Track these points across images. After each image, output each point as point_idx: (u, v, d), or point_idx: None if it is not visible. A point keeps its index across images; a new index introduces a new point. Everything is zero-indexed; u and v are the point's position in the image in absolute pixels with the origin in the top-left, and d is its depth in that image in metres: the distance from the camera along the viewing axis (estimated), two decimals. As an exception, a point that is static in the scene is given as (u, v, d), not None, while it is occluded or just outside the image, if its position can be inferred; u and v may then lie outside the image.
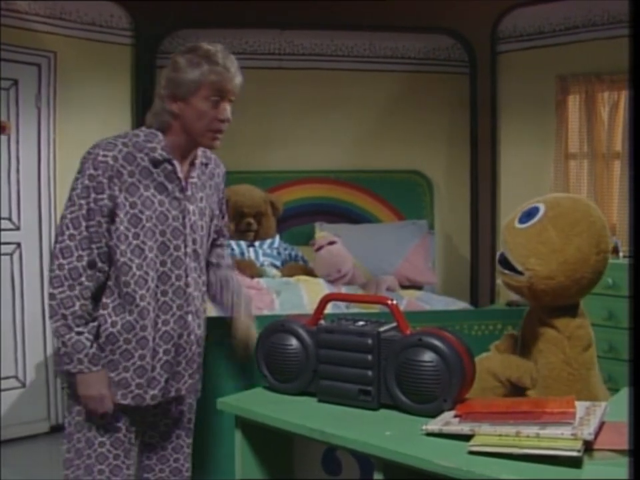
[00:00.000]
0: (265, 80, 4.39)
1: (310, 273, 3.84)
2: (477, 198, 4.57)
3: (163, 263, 2.01)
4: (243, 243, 3.87)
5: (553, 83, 4.20)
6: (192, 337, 2.09)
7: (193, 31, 4.20)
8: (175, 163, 2.03)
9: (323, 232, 4.11)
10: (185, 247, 2.05)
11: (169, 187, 2.02)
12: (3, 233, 3.76)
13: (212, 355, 2.39)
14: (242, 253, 3.79)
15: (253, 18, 4.36)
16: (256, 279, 3.49)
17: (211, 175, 2.18)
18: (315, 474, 2.04)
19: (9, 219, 3.81)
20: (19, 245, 3.84)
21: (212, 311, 2.35)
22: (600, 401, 1.91)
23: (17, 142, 3.81)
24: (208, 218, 2.17)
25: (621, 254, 3.75)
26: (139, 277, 1.96)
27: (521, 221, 1.99)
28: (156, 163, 2.00)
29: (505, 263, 2.01)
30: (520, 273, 1.95)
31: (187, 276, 2.05)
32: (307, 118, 4.51)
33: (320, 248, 3.86)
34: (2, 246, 3.76)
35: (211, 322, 2.29)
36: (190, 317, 2.07)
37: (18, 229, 3.84)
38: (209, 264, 2.26)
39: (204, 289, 2.16)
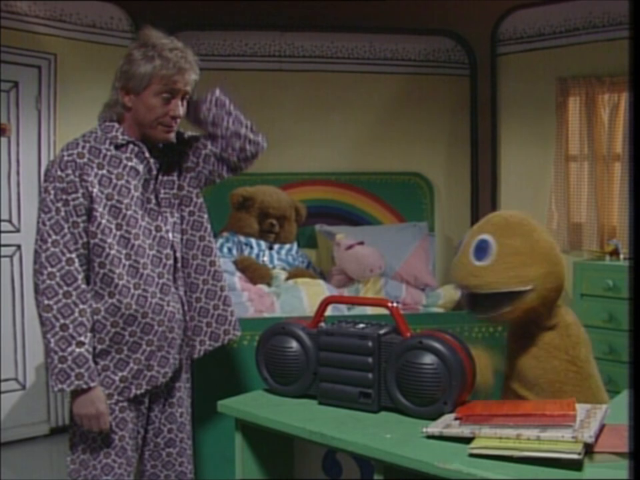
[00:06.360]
0: (264, 82, 4.39)
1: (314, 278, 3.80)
2: (477, 200, 4.56)
3: (150, 247, 2.01)
4: (263, 244, 3.84)
5: (553, 84, 4.19)
6: (177, 316, 2.10)
7: (193, 33, 4.19)
8: (140, 144, 2.02)
9: (341, 234, 4.07)
10: (165, 224, 2.05)
11: (140, 169, 2.01)
12: (3, 235, 3.76)
13: (214, 357, 2.39)
14: (258, 255, 3.76)
15: (253, 20, 4.36)
16: (259, 285, 3.46)
17: (171, 149, 2.13)
18: (315, 476, 2.04)
19: (9, 221, 3.81)
20: (19, 247, 3.83)
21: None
22: (603, 397, 1.91)
23: (17, 144, 3.81)
24: (183, 180, 2.15)
25: (621, 256, 3.75)
26: (129, 267, 1.96)
27: (478, 257, 1.85)
28: (122, 147, 1.99)
29: (481, 301, 1.92)
30: (510, 296, 1.85)
31: (174, 253, 2.07)
32: (307, 120, 4.50)
33: (351, 247, 3.86)
34: (2, 248, 3.76)
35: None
36: (181, 292, 2.11)
37: (18, 231, 3.84)
38: None
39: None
